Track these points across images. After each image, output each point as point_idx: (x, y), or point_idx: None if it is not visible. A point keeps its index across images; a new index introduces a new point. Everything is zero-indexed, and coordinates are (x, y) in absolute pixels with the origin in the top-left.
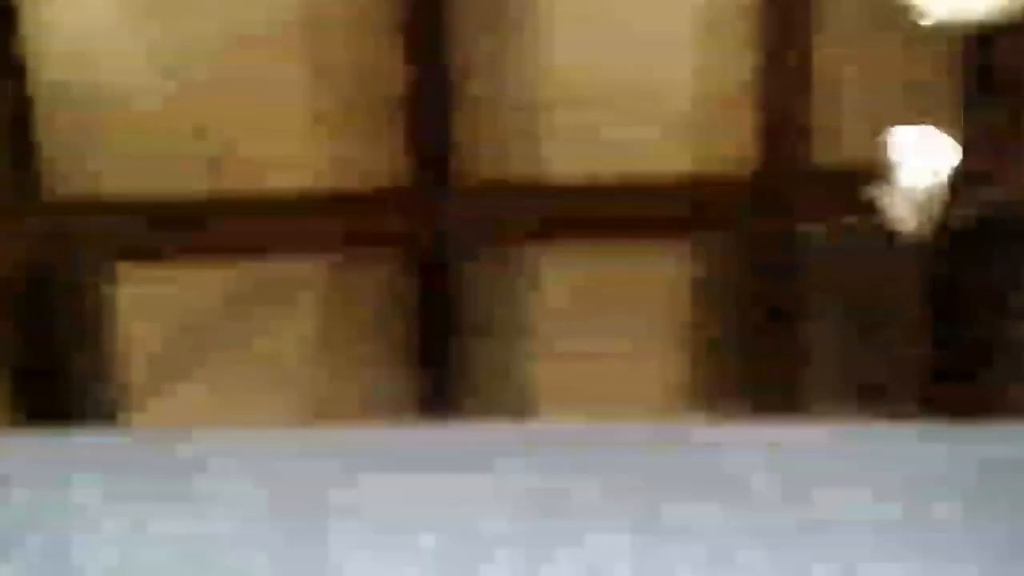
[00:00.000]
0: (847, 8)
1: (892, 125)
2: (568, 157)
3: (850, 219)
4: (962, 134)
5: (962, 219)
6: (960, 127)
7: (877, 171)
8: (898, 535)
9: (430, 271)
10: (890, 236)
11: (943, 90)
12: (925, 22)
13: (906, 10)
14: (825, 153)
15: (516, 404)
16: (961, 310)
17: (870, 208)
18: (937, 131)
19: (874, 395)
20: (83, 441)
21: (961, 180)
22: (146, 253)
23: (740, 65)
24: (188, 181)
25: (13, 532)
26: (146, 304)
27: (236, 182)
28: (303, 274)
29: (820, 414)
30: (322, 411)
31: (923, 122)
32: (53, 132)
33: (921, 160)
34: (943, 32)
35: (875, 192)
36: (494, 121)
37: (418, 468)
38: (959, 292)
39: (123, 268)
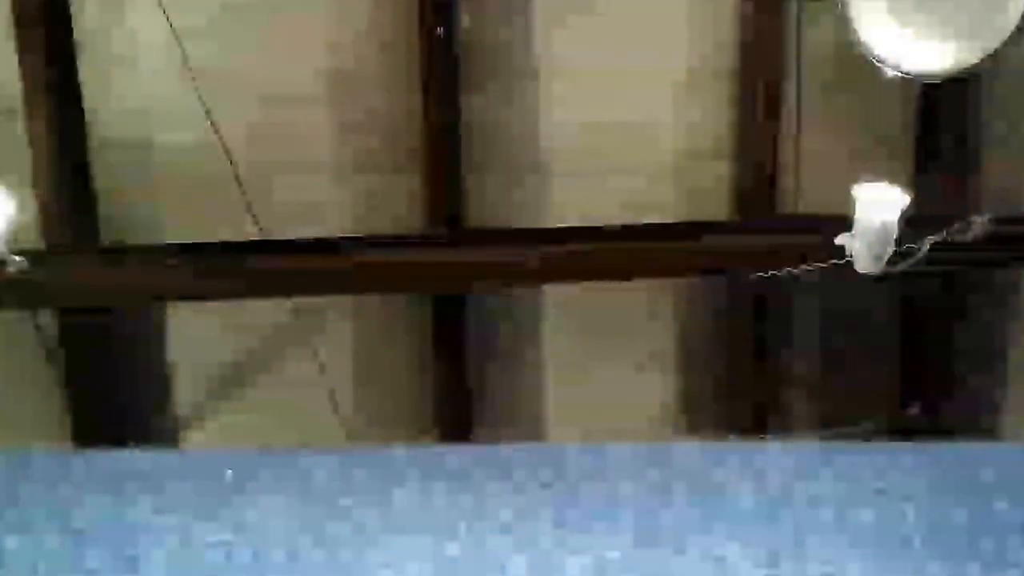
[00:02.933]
0: (817, 70)
1: (855, 175)
2: (568, 203)
3: (818, 261)
4: (915, 184)
5: (915, 260)
6: (914, 178)
7: (842, 219)
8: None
9: (448, 305)
10: (854, 275)
11: (900, 143)
12: (890, 75)
13: (872, 66)
14: (794, 201)
15: (528, 425)
16: (921, 342)
17: (838, 252)
18: (894, 181)
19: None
20: (139, 459)
21: (914, 225)
22: (193, 290)
23: (718, 121)
24: (230, 227)
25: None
26: (194, 336)
27: (272, 227)
28: (334, 308)
29: (797, 435)
30: (355, 430)
31: (882, 173)
32: (111, 186)
33: (878, 209)
34: (905, 86)
35: (841, 237)
36: (503, 170)
37: (445, 483)
38: (919, 325)
39: (172, 304)
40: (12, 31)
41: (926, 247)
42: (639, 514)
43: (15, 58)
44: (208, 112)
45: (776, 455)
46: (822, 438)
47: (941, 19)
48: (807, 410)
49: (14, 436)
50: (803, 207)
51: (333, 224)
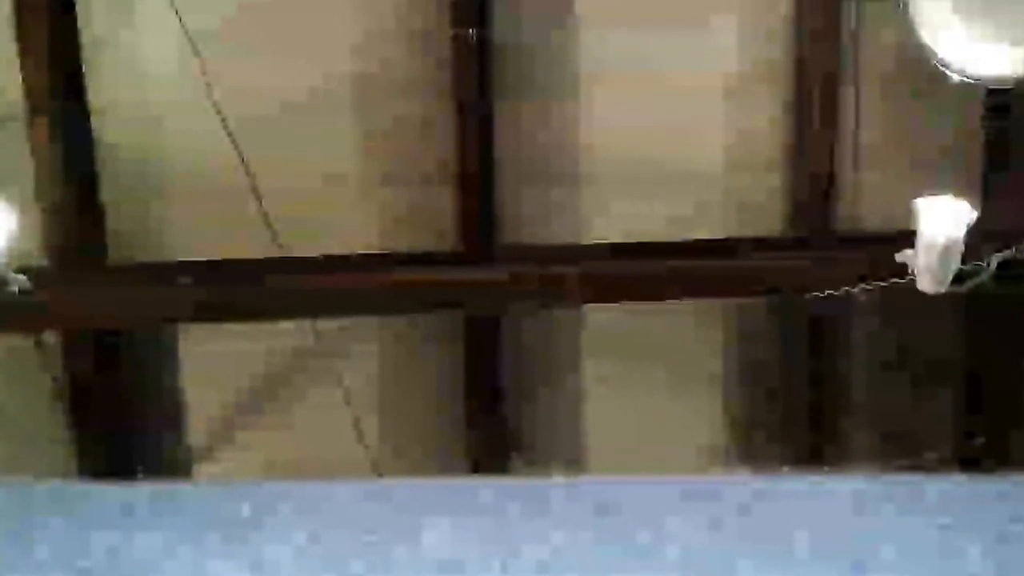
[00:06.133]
0: (876, 75)
1: (918, 189)
2: (607, 222)
3: (878, 280)
4: (982, 198)
5: (982, 278)
6: (981, 191)
7: (904, 235)
8: None
9: (481, 327)
10: (916, 295)
11: (965, 156)
12: (955, 79)
13: (936, 70)
14: (853, 216)
15: (567, 457)
16: (988, 367)
17: (898, 270)
18: (959, 196)
19: (908, 448)
20: (151, 491)
21: (981, 242)
22: (208, 312)
23: (772, 133)
24: (247, 243)
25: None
26: (209, 360)
27: (292, 243)
28: (359, 330)
29: (856, 467)
30: (381, 460)
31: (946, 187)
32: (118, 198)
33: (942, 224)
34: (971, 92)
35: (902, 254)
36: (540, 183)
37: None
38: (986, 348)
39: (186, 327)
40: (14, 32)
41: (994, 264)
42: (686, 552)
43: (17, 61)
44: (224, 120)
45: (833, 488)
46: (882, 470)
47: (1010, 20)
48: (866, 440)
49: (16, 467)
50: (862, 222)
51: (358, 240)
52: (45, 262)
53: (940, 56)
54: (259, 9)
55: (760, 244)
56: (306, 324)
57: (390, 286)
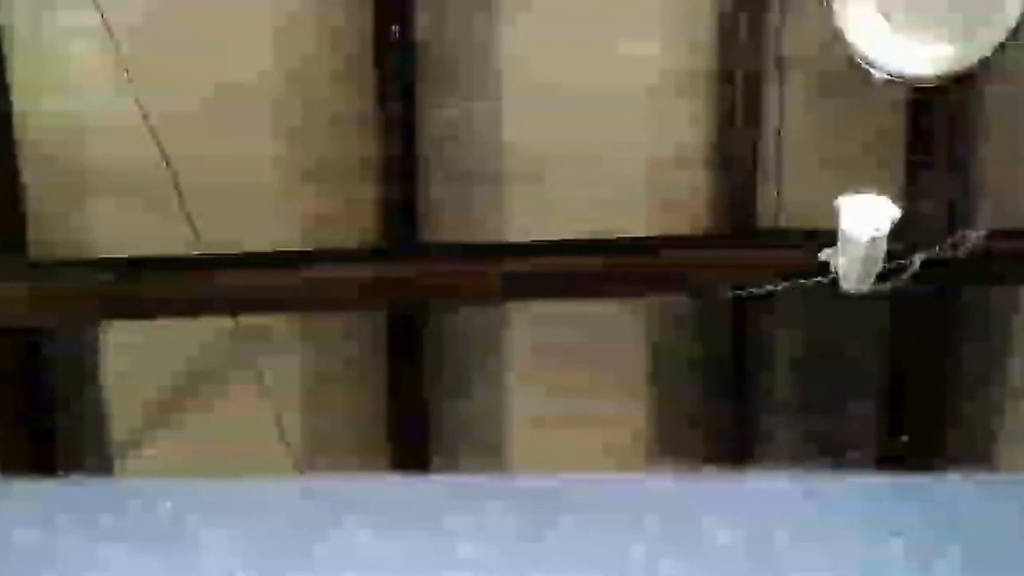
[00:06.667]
0: (800, 73)
1: (841, 188)
2: (530, 219)
3: (801, 278)
4: (905, 197)
5: (905, 277)
6: (903, 190)
7: (826, 233)
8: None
9: (403, 324)
10: (839, 293)
11: (888, 154)
12: (876, 79)
13: (858, 70)
14: (775, 214)
15: (490, 454)
16: (911, 365)
17: (819, 268)
18: (881, 194)
19: (832, 447)
20: (72, 490)
21: (902, 240)
22: (130, 308)
23: (695, 130)
24: (169, 239)
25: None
26: (130, 357)
27: (213, 239)
28: (281, 327)
29: (778, 465)
30: (302, 459)
31: (868, 186)
32: (40, 194)
33: (865, 222)
34: (892, 91)
35: (824, 253)
36: (460, 183)
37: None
38: (909, 347)
39: (107, 323)
40: None
41: (917, 263)
42: (608, 550)
43: None
44: (145, 116)
45: (755, 486)
46: (805, 468)
47: (934, 18)
48: (788, 438)
49: None
50: (785, 220)
51: (280, 237)
52: None
53: (864, 54)
54: (180, 4)
55: (683, 242)
56: (228, 321)
57: (312, 283)
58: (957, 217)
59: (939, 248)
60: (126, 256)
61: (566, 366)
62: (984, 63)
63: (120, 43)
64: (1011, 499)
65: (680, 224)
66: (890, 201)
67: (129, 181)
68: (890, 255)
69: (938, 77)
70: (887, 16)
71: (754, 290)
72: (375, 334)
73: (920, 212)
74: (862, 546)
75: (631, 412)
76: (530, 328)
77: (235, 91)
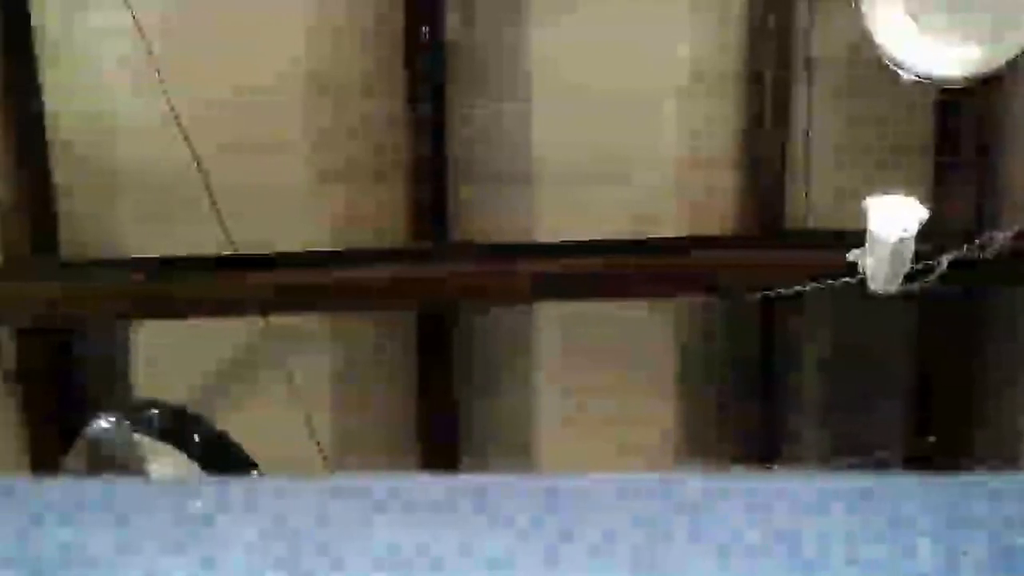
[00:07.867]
0: (828, 74)
1: (869, 188)
2: (559, 220)
3: (829, 279)
4: (933, 197)
5: (932, 278)
6: (932, 190)
7: (853, 234)
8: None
9: (433, 324)
10: (865, 295)
11: (916, 155)
12: (904, 80)
13: (886, 71)
14: (804, 215)
15: (518, 454)
16: (939, 365)
17: (847, 268)
18: (909, 195)
19: (860, 446)
20: (103, 487)
21: (929, 241)
22: (161, 308)
23: (725, 132)
24: (200, 239)
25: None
26: (161, 356)
27: (244, 239)
28: (311, 327)
29: (806, 465)
30: (332, 458)
31: (896, 186)
32: (72, 194)
33: (893, 223)
34: (921, 93)
35: (852, 253)
36: (489, 184)
37: (429, 515)
38: (937, 347)
39: (138, 323)
40: None
41: (944, 264)
42: (636, 550)
43: None
44: (177, 118)
45: (783, 487)
46: (832, 469)
47: (962, 20)
48: (817, 438)
49: None
50: (813, 221)
51: (310, 237)
52: None
53: (892, 56)
54: (211, 6)
55: (712, 243)
56: (258, 321)
57: (342, 283)
58: (984, 218)
59: (966, 249)
60: (157, 256)
61: (595, 366)
62: (1011, 65)
63: (151, 44)
64: None
65: (709, 225)
66: (918, 202)
67: (160, 181)
68: (918, 256)
69: (966, 79)
70: (915, 18)
71: (782, 290)
72: (405, 334)
73: (948, 213)
74: (889, 546)
75: (660, 412)
76: (559, 328)
77: (266, 92)
